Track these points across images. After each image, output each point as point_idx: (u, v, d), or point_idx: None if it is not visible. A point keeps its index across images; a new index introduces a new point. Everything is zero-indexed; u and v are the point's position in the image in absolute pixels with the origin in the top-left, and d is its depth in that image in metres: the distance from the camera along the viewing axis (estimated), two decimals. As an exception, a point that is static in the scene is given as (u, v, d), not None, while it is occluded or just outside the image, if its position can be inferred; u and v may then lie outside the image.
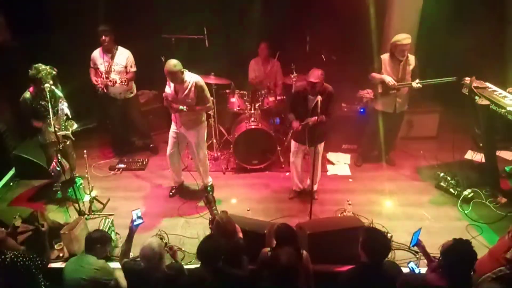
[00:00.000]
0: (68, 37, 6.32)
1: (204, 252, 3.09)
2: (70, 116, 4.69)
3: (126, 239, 3.73)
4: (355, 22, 5.97)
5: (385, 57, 5.11)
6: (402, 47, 4.87)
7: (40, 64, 4.46)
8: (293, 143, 4.86)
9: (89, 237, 3.55)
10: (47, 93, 4.32)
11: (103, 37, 5.35)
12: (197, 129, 4.83)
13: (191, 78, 4.57)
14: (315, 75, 4.29)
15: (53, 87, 4.43)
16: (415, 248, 3.94)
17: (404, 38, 4.88)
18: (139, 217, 3.72)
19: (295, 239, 3.27)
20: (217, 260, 3.11)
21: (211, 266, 3.10)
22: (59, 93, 4.55)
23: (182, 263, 3.71)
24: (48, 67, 4.47)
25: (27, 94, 4.58)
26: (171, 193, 5.27)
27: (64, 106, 4.65)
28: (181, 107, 4.57)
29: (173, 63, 4.39)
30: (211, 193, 4.51)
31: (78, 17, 6.25)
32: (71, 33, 6.28)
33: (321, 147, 4.79)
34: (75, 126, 4.76)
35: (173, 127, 4.88)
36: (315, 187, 4.92)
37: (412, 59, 5.08)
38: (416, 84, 4.96)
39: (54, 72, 4.50)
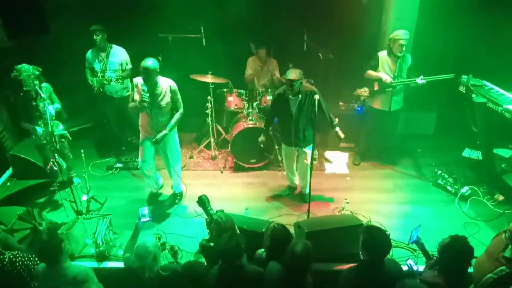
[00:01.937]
0: (64, 37, 6.31)
1: (228, 250, 3.08)
2: (54, 117, 4.68)
3: (131, 236, 3.72)
4: (353, 20, 5.97)
5: (383, 54, 5.12)
6: (400, 42, 4.88)
7: (23, 64, 4.44)
8: (282, 145, 4.92)
9: (50, 248, 3.22)
10: (34, 94, 4.33)
11: (94, 37, 5.36)
12: (172, 133, 4.70)
13: (165, 82, 4.49)
14: (294, 73, 4.32)
15: (36, 87, 4.42)
16: (414, 246, 3.96)
17: (402, 33, 4.90)
18: (146, 215, 3.72)
19: (290, 241, 3.26)
20: (240, 257, 3.12)
21: (234, 263, 3.10)
22: (42, 93, 4.51)
23: (180, 263, 3.68)
24: (31, 67, 4.44)
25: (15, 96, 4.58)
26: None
27: (50, 107, 4.64)
28: (160, 136, 4.50)
29: (151, 60, 4.30)
30: (203, 195, 4.31)
31: (75, 17, 6.23)
32: (67, 32, 6.26)
33: (308, 149, 4.71)
34: (61, 127, 4.73)
35: (143, 135, 4.73)
36: (307, 190, 4.82)
37: (408, 57, 5.09)
38: (420, 80, 4.95)
39: (37, 72, 4.46)
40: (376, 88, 5.19)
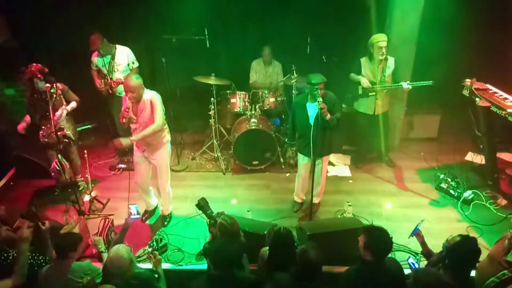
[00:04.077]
0: (69, 37, 6.34)
1: (222, 258, 3.01)
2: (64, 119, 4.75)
3: (119, 232, 3.63)
4: (356, 23, 5.98)
5: (364, 59, 5.16)
6: (379, 45, 4.92)
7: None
8: (299, 154, 4.69)
9: (64, 243, 3.25)
10: (46, 94, 4.37)
11: (101, 51, 5.38)
12: (161, 151, 4.42)
13: (148, 95, 4.16)
14: (318, 77, 4.12)
15: (42, 85, 4.46)
16: (415, 249, 3.95)
17: (381, 36, 4.96)
18: (135, 213, 3.72)
19: (292, 245, 3.24)
20: (233, 266, 3.07)
21: (226, 271, 3.05)
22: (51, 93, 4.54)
23: (158, 272, 3.46)
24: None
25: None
26: (143, 218, 4.84)
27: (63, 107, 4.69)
28: (132, 138, 4.14)
29: (135, 76, 4.04)
30: (201, 199, 4.18)
31: (80, 17, 6.26)
32: (72, 33, 6.29)
33: (326, 160, 4.61)
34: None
35: (136, 151, 4.48)
36: (316, 200, 4.82)
37: (391, 61, 5.10)
38: (406, 85, 4.99)
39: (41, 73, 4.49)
40: (359, 91, 5.21)
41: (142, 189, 4.67)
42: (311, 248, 2.96)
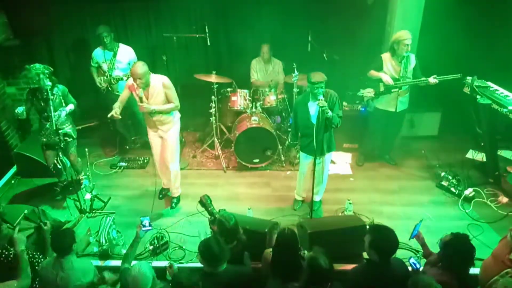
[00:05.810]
0: (69, 36, 6.34)
1: (212, 255, 3.04)
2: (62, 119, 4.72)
3: (131, 244, 3.64)
4: (357, 21, 5.97)
5: (386, 56, 5.10)
6: (405, 43, 4.86)
7: (35, 64, 4.42)
8: (300, 153, 4.68)
9: (62, 241, 3.27)
10: (45, 93, 4.37)
11: (105, 39, 5.38)
12: (173, 128, 4.65)
13: (158, 79, 4.36)
14: (319, 75, 4.09)
15: (47, 87, 4.40)
16: (417, 247, 3.95)
17: (406, 33, 4.89)
18: (148, 225, 3.69)
19: (296, 246, 3.22)
20: (223, 263, 3.08)
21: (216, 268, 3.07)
22: (51, 94, 4.51)
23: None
24: (42, 66, 4.42)
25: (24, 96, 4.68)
26: (160, 195, 5.10)
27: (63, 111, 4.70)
28: (153, 107, 4.36)
29: (141, 63, 4.23)
30: (204, 195, 4.23)
31: (80, 16, 6.27)
32: (72, 31, 6.30)
33: (329, 156, 4.62)
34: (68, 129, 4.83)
35: (151, 133, 4.70)
36: (317, 198, 4.82)
37: (412, 57, 5.07)
38: (433, 79, 4.92)
39: (47, 71, 4.43)
40: (382, 89, 5.17)
41: (160, 168, 4.92)
42: (321, 255, 2.87)
